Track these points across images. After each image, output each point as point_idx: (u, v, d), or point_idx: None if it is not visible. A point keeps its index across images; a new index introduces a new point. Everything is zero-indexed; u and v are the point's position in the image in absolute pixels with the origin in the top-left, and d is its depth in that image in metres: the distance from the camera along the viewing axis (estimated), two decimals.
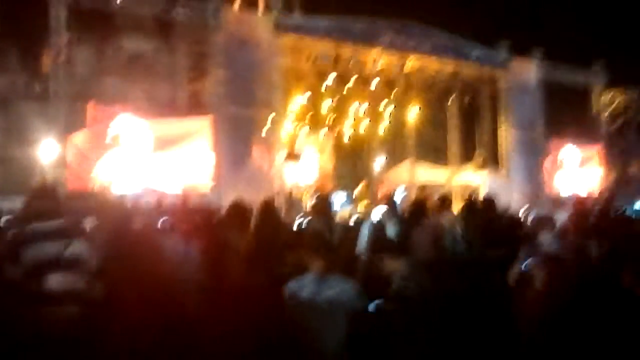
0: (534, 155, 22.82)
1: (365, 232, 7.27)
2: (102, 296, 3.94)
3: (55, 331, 3.61)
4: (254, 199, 10.72)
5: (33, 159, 14.98)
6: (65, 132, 14.60)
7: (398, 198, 16.12)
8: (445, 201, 8.46)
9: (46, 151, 14.79)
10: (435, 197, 13.05)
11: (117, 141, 15.32)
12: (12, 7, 14.81)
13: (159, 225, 6.71)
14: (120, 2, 15.05)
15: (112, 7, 15.03)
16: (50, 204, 4.12)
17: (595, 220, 8.42)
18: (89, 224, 5.40)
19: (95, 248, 4.32)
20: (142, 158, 15.68)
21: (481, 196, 15.91)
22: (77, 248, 3.94)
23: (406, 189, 18.84)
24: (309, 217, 8.55)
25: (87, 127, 15.15)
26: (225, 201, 7.77)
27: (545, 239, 6.36)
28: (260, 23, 17.47)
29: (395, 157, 24.84)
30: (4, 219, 7.77)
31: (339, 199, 18.36)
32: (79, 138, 14.97)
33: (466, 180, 22.77)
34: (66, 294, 3.71)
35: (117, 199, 10.92)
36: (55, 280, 3.79)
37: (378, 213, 8.10)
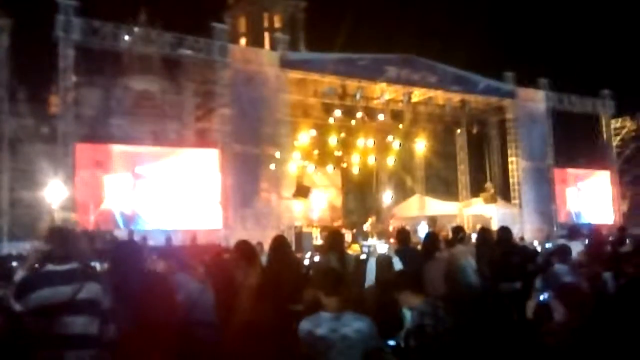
0: (545, 185, 22.75)
1: (372, 267, 7.22)
2: (116, 338, 3.93)
3: None
4: (263, 235, 10.72)
5: (41, 201, 15.07)
6: (73, 174, 14.73)
7: (422, 232, 16.11)
8: (458, 233, 8.41)
9: (54, 193, 14.89)
10: (448, 229, 13.06)
11: (126, 180, 15.44)
12: (22, 50, 15.13)
13: (169, 265, 6.70)
14: (128, 42, 15.34)
15: (120, 48, 15.31)
16: (62, 247, 4.14)
17: (611, 250, 8.34)
18: (100, 265, 5.41)
19: (108, 290, 4.32)
20: (149, 195, 15.76)
21: (493, 228, 15.88)
22: (89, 290, 3.93)
23: (429, 223, 18.79)
24: (321, 253, 8.50)
25: (94, 168, 15.29)
26: (235, 238, 7.78)
27: (561, 270, 6.31)
28: (267, 59, 17.75)
29: (404, 190, 24.88)
30: (15, 262, 7.77)
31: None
32: (87, 178, 15.10)
33: (477, 211, 22.70)
34: (80, 337, 3.70)
35: (127, 239, 10.92)
36: (69, 323, 3.79)
37: (385, 247, 8.03)
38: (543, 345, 4.35)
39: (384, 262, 7.29)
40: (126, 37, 15.42)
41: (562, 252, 6.58)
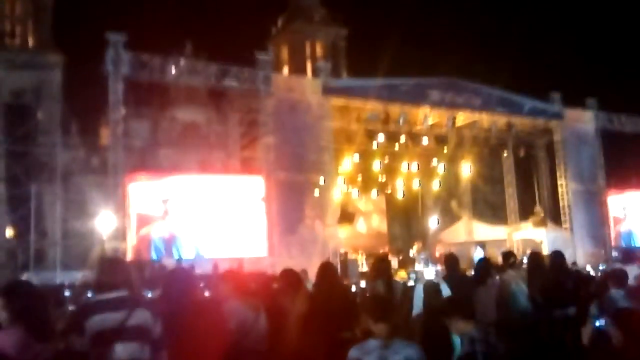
0: (596, 207, 22.14)
1: (420, 293, 7.15)
2: None
3: None
4: (309, 262, 10.73)
5: (93, 231, 15.46)
6: (123, 204, 15.09)
7: (477, 256, 15.88)
8: (509, 258, 8.24)
9: (105, 223, 15.24)
10: (497, 254, 12.81)
11: (173, 209, 15.74)
12: (74, 84, 15.70)
13: (221, 292, 6.79)
14: (175, 74, 15.76)
15: (167, 80, 15.72)
16: (116, 275, 4.22)
17: None
18: (152, 293, 5.49)
19: (158, 317, 4.37)
20: (196, 223, 16.00)
21: (544, 252, 15.50)
22: (139, 317, 4.00)
23: (484, 247, 18.56)
24: (368, 280, 8.47)
25: (143, 198, 15.63)
26: (280, 266, 7.82)
27: (618, 295, 6.11)
28: (309, 87, 17.95)
29: (450, 215, 24.59)
30: (68, 290, 7.98)
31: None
32: (137, 209, 15.46)
33: (526, 236, 22.22)
34: None
35: (176, 267, 11.09)
36: (120, 350, 3.86)
37: (433, 273, 7.94)
38: None
39: (431, 289, 7.20)
40: (173, 69, 15.83)
41: (618, 277, 6.36)
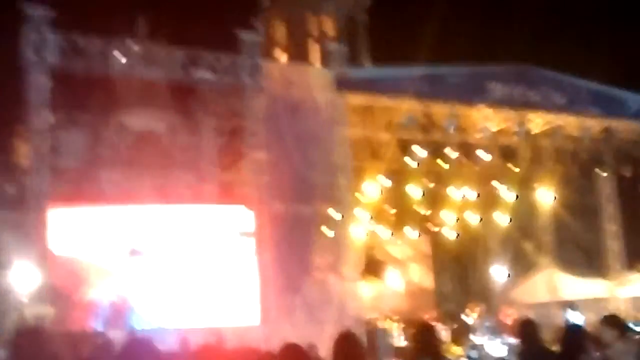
0: None
1: None
2: None
3: None
4: (319, 334, 10.65)
5: (6, 290, 15.40)
6: (48, 251, 15.06)
7: (568, 321, 15.77)
8: (615, 325, 8.10)
9: (23, 277, 15.20)
10: (596, 318, 12.69)
11: (119, 256, 15.71)
12: None
13: None
14: (124, 64, 15.79)
15: (112, 71, 15.75)
16: (37, 355, 4.29)
17: None
18: None
19: None
20: (155, 278, 15.95)
21: None
22: None
23: (576, 308, 18.49)
24: (407, 359, 8.42)
25: (77, 242, 15.61)
26: (278, 338, 7.72)
27: None
28: (316, 79, 18.01)
29: (525, 264, 24.46)
30: None
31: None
32: (66, 258, 15.42)
33: (636, 292, 22.10)
34: None
35: (129, 342, 11.00)
36: None
37: (502, 347, 7.91)
38: None
39: None
40: (121, 58, 15.90)
41: None
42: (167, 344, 12.67)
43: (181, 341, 13.36)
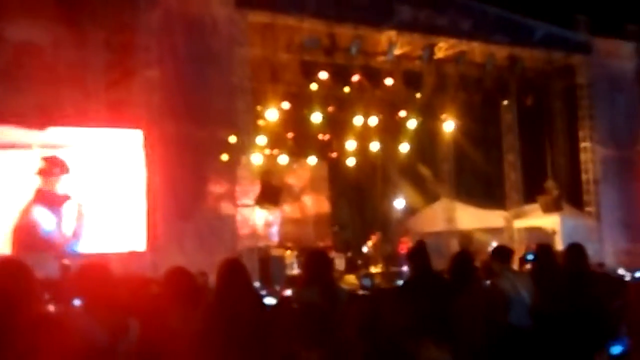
0: (634, 184, 22.89)
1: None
2: None
3: None
4: (211, 261, 10.73)
5: None
6: None
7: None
8: (503, 255, 8.43)
9: None
10: (489, 249, 13.16)
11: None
12: None
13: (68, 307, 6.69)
14: None
15: None
16: None
17: None
18: None
19: None
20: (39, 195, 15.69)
21: (558, 247, 15.97)
22: None
23: (461, 241, 19.02)
24: (298, 286, 8.54)
25: None
26: (167, 265, 7.74)
27: None
28: None
29: (424, 193, 24.93)
30: None
31: None
32: None
33: (533, 224, 22.82)
34: None
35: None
36: None
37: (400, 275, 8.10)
38: None
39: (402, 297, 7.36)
40: None
41: None
42: (47, 270, 12.62)
43: (61, 268, 13.28)
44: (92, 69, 16.27)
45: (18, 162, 15.77)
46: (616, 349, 6.00)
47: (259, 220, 20.31)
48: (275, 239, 22.99)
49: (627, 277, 15.32)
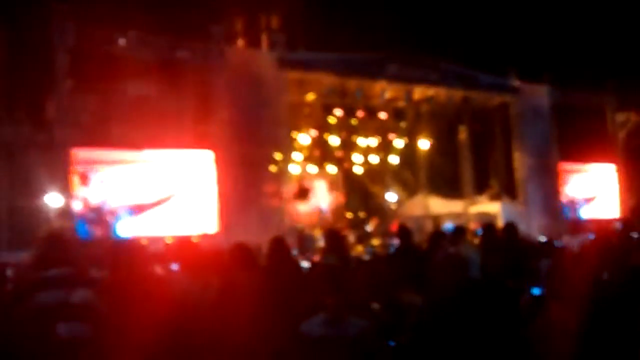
0: (550, 181, 22.78)
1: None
2: (112, 344, 3.93)
3: None
4: (264, 239, 10.80)
5: (39, 210, 15.03)
6: (70, 181, 14.76)
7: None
8: (460, 231, 8.46)
9: (51, 201, 14.87)
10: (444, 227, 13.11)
11: (121, 182, 15.51)
12: (17, 55, 15.10)
13: (170, 270, 6.73)
14: (124, 45, 15.35)
15: (115, 51, 15.32)
16: (57, 252, 4.13)
17: (618, 242, 8.32)
18: (98, 271, 5.39)
19: (104, 295, 4.31)
20: (141, 200, 15.77)
21: (499, 225, 15.86)
22: (82, 295, 3.92)
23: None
24: (321, 254, 8.54)
25: (90, 173, 15.31)
26: (234, 241, 7.84)
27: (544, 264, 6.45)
28: (264, 60, 17.77)
29: (408, 190, 24.85)
30: (10, 269, 7.81)
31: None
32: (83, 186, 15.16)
33: (481, 209, 22.69)
34: (74, 342, 3.69)
35: (122, 244, 10.99)
36: (62, 329, 3.78)
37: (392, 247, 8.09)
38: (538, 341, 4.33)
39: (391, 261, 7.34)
40: (122, 41, 15.45)
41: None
42: (155, 246, 12.69)
43: (164, 244, 13.36)
44: (184, 112, 16.41)
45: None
46: (536, 291, 6.01)
47: (298, 210, 20.33)
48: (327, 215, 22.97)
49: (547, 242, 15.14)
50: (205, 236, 15.00)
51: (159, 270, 6.69)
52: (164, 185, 16.20)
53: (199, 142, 16.61)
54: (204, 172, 16.74)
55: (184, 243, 6.05)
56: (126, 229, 15.32)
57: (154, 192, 16.06)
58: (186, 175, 16.56)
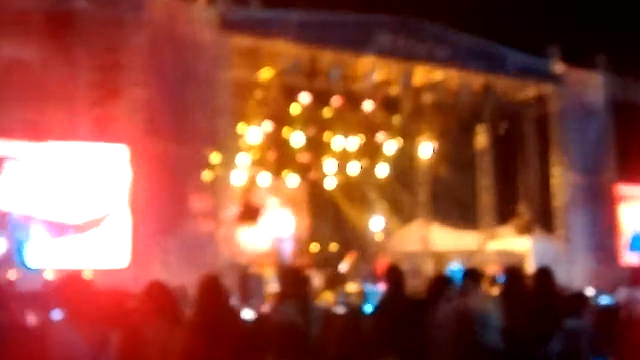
0: (602, 209, 23.04)
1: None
2: None
3: None
4: (191, 278, 10.71)
5: None
6: None
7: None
8: (474, 276, 8.45)
9: None
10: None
11: None
12: None
13: (50, 318, 6.63)
14: None
15: None
16: None
17: None
18: None
19: None
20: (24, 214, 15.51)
21: (529, 269, 16.03)
22: None
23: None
24: (275, 302, 8.51)
25: None
26: (149, 279, 7.69)
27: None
28: (200, 18, 17.70)
29: (401, 214, 24.96)
30: None
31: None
32: None
33: (505, 246, 22.87)
34: None
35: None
36: None
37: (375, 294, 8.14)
38: None
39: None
40: None
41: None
42: (31, 284, 12.50)
43: (43, 282, 13.13)
44: (79, 87, 16.21)
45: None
46: None
47: (240, 238, 20.25)
48: (286, 255, 22.90)
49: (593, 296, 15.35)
50: (109, 270, 14.82)
51: (31, 318, 6.61)
52: (58, 196, 15.90)
53: (99, 132, 16.40)
54: (110, 178, 16.46)
55: (71, 280, 5.95)
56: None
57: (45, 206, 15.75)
58: (86, 181, 16.24)
